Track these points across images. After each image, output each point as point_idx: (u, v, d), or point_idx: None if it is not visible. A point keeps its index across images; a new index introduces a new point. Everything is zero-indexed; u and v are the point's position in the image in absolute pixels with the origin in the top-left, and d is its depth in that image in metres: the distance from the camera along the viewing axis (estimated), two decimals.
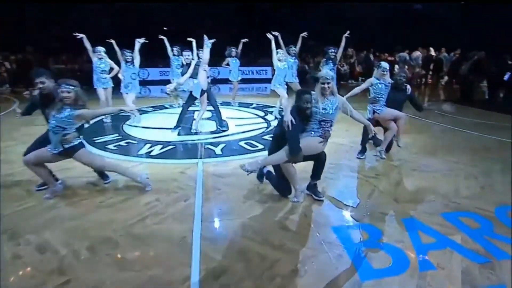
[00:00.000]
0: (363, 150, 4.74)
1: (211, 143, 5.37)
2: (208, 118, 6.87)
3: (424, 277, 2.25)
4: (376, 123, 4.61)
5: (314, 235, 2.76)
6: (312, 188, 3.42)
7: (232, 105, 8.62)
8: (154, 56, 13.18)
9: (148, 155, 4.87)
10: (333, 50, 6.91)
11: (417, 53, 13.46)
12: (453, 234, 2.76)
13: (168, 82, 7.92)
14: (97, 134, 5.92)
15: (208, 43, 5.50)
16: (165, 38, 8.32)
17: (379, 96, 4.56)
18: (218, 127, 6.20)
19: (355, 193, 3.63)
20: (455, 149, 5.15)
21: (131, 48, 6.43)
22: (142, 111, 7.90)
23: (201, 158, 4.67)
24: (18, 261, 2.44)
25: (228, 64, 8.62)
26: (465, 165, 4.44)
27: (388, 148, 4.78)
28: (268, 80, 9.15)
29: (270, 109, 7.96)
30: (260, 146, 5.16)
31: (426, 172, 4.18)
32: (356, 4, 16.43)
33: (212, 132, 6.05)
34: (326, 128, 3.16)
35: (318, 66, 7.72)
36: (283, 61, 6.79)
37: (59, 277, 2.26)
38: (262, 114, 7.68)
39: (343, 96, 3.37)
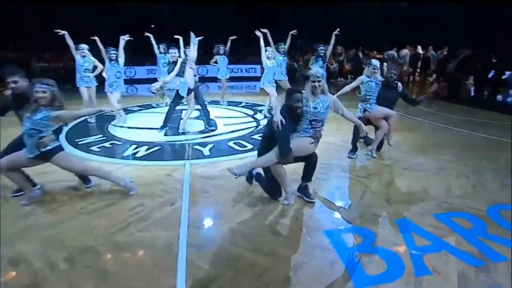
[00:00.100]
0: (354, 149, 4.67)
1: (199, 144, 5.21)
2: (196, 118, 6.70)
3: (420, 283, 2.17)
4: (367, 121, 4.54)
5: (306, 240, 2.66)
6: (303, 190, 3.31)
7: (221, 104, 8.46)
8: (141, 54, 12.91)
9: (134, 156, 4.69)
10: (322, 47, 6.85)
11: (405, 51, 13.54)
12: (447, 236, 2.70)
13: (155, 80, 7.70)
14: (80, 135, 5.70)
15: (194, 40, 5.33)
16: (151, 36, 8.12)
17: (369, 94, 4.50)
18: (206, 126, 6.05)
19: (347, 194, 3.54)
20: (445, 147, 5.14)
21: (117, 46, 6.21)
22: (128, 111, 7.67)
23: (188, 159, 4.51)
24: None
25: (216, 62, 8.45)
26: (455, 163, 4.42)
27: (379, 147, 4.73)
28: (258, 78, 9.00)
29: (260, 108, 7.84)
30: (249, 146, 5.03)
31: (417, 171, 4.14)
32: (345, 3, 16.42)
33: (200, 132, 5.90)
34: (317, 128, 3.06)
35: (308, 64, 7.65)
36: (272, 59, 6.67)
37: None
38: (251, 113, 7.55)
39: (333, 95, 3.28)
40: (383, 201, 3.34)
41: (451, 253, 2.48)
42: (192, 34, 5.34)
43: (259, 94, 9.55)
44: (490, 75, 10.46)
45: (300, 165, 3.28)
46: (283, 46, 7.01)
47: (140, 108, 8.20)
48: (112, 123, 6.50)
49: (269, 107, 7.12)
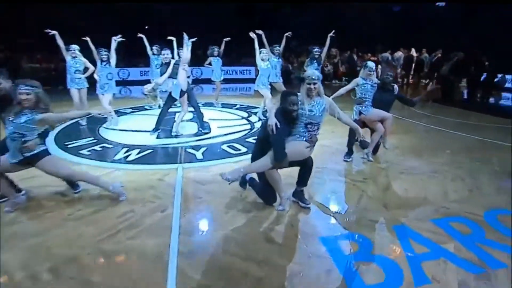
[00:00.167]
0: (349, 153, 4.61)
1: (192, 147, 5.11)
2: (190, 120, 6.60)
3: None
4: (363, 124, 4.48)
5: (302, 248, 2.57)
6: (298, 195, 3.23)
7: (215, 106, 8.36)
8: (134, 55, 12.75)
9: (124, 160, 4.56)
10: (317, 49, 6.81)
11: (399, 54, 13.60)
12: (446, 242, 2.64)
13: (149, 82, 7.58)
14: (70, 138, 5.55)
15: (187, 41, 5.23)
16: (144, 37, 8.01)
17: (365, 96, 4.45)
18: (200, 129, 5.95)
19: (343, 199, 3.47)
20: (440, 150, 5.11)
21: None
22: (120, 113, 7.53)
23: (181, 163, 4.41)
24: None
25: (210, 64, 8.35)
26: (450, 166, 4.38)
27: (375, 150, 4.67)
28: (252, 80, 8.94)
29: (254, 110, 7.76)
30: (243, 149, 4.94)
31: (413, 175, 4.09)
32: (339, 4, 16.46)
33: (194, 135, 5.79)
34: (313, 132, 2.98)
35: (302, 66, 7.60)
36: (266, 60, 6.60)
37: None
38: (245, 115, 7.47)
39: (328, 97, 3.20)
40: (380, 206, 3.27)
41: (450, 260, 2.42)
42: (185, 35, 5.24)
43: (254, 96, 9.47)
44: (482, 78, 10.56)
45: (295, 169, 3.20)
46: (277, 48, 6.94)
47: (132, 110, 8.06)
48: (104, 125, 6.36)
49: (264, 110, 7.04)
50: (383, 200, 3.39)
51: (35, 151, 2.89)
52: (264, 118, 6.18)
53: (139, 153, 4.81)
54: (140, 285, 2.17)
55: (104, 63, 6.05)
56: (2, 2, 12.44)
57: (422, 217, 3.04)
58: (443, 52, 12.22)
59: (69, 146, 5.15)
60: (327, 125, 3.16)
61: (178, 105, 5.92)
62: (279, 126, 2.79)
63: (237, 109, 8.18)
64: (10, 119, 2.78)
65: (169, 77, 5.47)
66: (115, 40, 6.15)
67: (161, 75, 5.57)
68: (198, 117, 6.02)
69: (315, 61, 6.79)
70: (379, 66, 11.43)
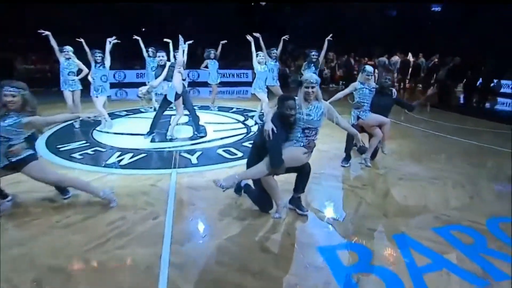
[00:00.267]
0: (347, 158, 4.52)
1: (186, 151, 4.99)
2: (185, 123, 6.49)
3: None
4: (361, 129, 4.41)
5: (298, 258, 2.47)
6: (295, 202, 3.13)
7: (211, 109, 8.26)
8: (131, 58, 12.62)
9: (117, 164, 4.44)
10: (315, 53, 6.74)
11: (396, 58, 13.61)
12: (448, 252, 2.55)
13: (145, 84, 7.49)
14: (62, 141, 5.42)
15: (183, 44, 5.14)
16: (139, 39, 7.91)
17: (363, 101, 4.37)
18: (195, 133, 5.84)
19: (341, 206, 3.37)
20: (439, 155, 5.06)
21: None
22: (115, 115, 7.41)
23: (175, 168, 4.29)
24: None
25: (206, 67, 8.26)
26: (450, 172, 4.31)
27: (373, 156, 4.60)
28: (249, 83, 8.86)
29: (251, 114, 7.66)
30: (239, 154, 4.84)
31: (412, 181, 4.01)
32: (336, 8, 16.50)
33: (189, 139, 5.68)
34: (311, 137, 2.89)
35: (300, 70, 7.54)
36: (263, 64, 6.53)
37: None
38: (242, 119, 7.37)
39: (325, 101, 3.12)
40: (379, 213, 3.18)
41: (452, 271, 2.32)
42: (180, 37, 5.15)
43: (251, 100, 9.39)
44: (478, 83, 10.58)
45: (292, 175, 3.10)
46: (275, 51, 6.88)
47: (127, 113, 7.94)
48: (97, 128, 6.23)
49: (261, 113, 6.96)
50: (382, 208, 3.30)
51: (22, 156, 2.77)
52: (261, 122, 6.10)
53: (132, 157, 4.69)
54: None
55: (98, 65, 5.94)
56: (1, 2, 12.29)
57: (423, 225, 2.95)
58: (441, 56, 12.23)
59: (61, 149, 5.03)
60: (324, 129, 3.07)
61: (174, 108, 5.82)
62: (275, 131, 2.70)
63: (233, 112, 8.09)
64: None
65: (164, 79, 5.37)
66: (110, 41, 6.05)
67: (156, 77, 5.47)
68: (194, 121, 5.93)
69: (312, 64, 6.72)
70: (376, 71, 11.42)
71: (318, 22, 15.04)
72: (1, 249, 2.51)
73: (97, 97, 6.05)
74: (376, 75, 10.93)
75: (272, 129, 2.69)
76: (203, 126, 6.08)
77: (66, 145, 5.24)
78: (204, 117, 7.02)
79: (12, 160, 2.75)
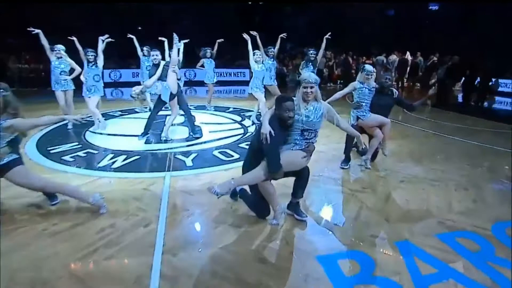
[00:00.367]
0: (347, 159, 4.40)
1: (181, 153, 4.85)
2: (181, 124, 6.34)
3: None
4: (360, 129, 4.27)
5: (297, 268, 2.34)
6: (293, 207, 2.99)
7: (208, 109, 8.11)
8: (126, 56, 12.43)
9: (109, 167, 4.29)
10: (313, 51, 6.61)
11: (394, 57, 13.51)
12: (454, 261, 2.43)
13: (139, 84, 7.33)
14: (53, 143, 5.27)
15: (177, 42, 4.99)
16: (134, 37, 7.74)
17: (363, 101, 4.24)
18: (191, 133, 5.70)
19: (341, 211, 3.24)
20: (439, 156, 4.95)
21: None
22: (109, 116, 7.25)
23: (169, 171, 4.15)
24: None
25: (203, 66, 8.11)
26: (451, 174, 4.21)
27: (373, 157, 4.47)
28: (246, 83, 8.75)
29: (248, 113, 7.52)
30: (236, 156, 4.70)
31: (414, 183, 3.89)
32: (334, 7, 16.38)
33: (184, 140, 5.54)
34: (310, 140, 2.76)
35: (297, 69, 7.41)
36: (260, 63, 6.39)
37: None
38: (239, 119, 7.23)
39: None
40: (380, 219, 3.05)
41: (460, 282, 2.20)
42: (175, 35, 5.00)
43: (248, 99, 9.25)
44: (476, 82, 10.52)
45: (290, 178, 2.97)
46: (272, 49, 6.73)
47: (122, 113, 7.77)
48: (90, 129, 6.07)
49: (258, 113, 6.82)
50: (384, 212, 3.17)
51: (4, 161, 2.62)
52: (258, 122, 5.96)
53: (125, 159, 4.54)
54: None
55: (90, 64, 5.77)
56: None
57: (427, 231, 2.83)
58: (439, 55, 12.14)
59: (51, 151, 4.87)
60: (322, 129, 2.93)
61: (169, 108, 5.67)
62: (273, 135, 2.56)
63: (230, 112, 7.95)
64: None
65: (159, 79, 5.21)
66: (103, 40, 5.89)
67: (150, 77, 5.32)
68: (189, 121, 5.78)
69: (310, 63, 6.59)
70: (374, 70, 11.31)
71: (315, 20, 14.91)
72: None
73: (89, 97, 5.89)
74: (374, 74, 10.85)
75: (270, 132, 2.55)
76: (198, 126, 5.94)
77: (57, 146, 5.09)
78: (200, 117, 6.88)
79: None
